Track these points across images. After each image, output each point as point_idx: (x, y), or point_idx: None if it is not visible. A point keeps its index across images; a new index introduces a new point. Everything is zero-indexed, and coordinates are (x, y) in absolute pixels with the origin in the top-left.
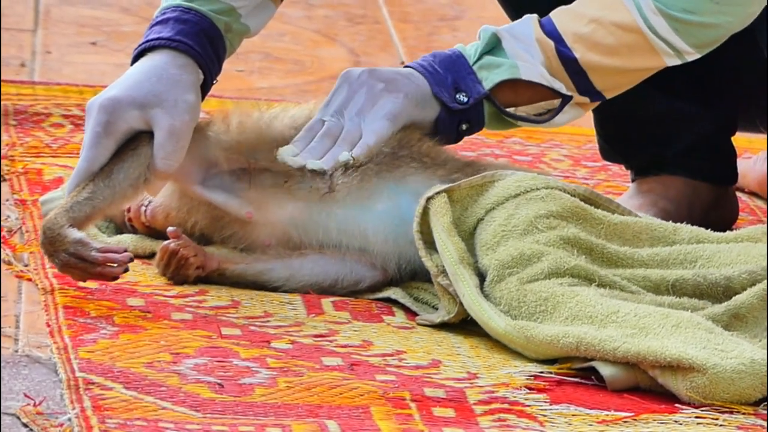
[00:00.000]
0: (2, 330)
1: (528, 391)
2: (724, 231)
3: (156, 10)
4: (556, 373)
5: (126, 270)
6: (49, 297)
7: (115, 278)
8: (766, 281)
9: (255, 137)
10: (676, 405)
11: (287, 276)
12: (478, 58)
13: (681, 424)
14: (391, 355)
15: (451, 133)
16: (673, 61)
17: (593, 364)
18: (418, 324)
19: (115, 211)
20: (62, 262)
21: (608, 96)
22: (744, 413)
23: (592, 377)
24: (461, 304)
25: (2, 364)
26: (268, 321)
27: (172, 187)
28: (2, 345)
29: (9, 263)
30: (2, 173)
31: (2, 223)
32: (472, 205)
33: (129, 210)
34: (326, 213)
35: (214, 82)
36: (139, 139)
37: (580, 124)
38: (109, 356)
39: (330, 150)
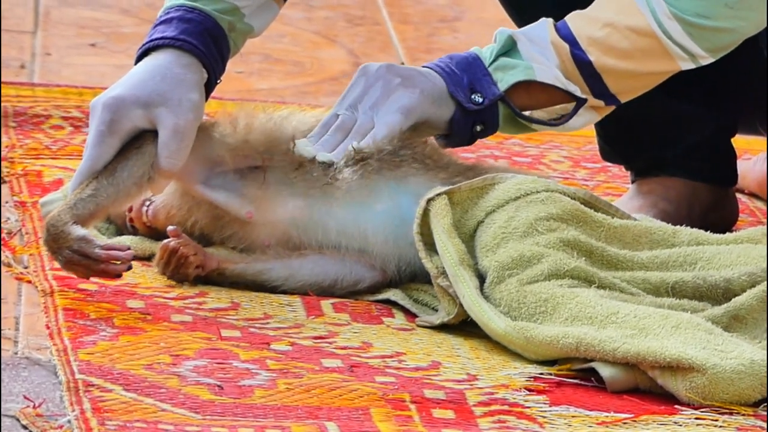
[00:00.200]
0: (2, 332)
1: (528, 392)
2: (724, 232)
3: (159, 10)
4: (556, 375)
5: (129, 267)
6: (48, 299)
7: (119, 276)
8: (765, 283)
9: (265, 137)
10: (676, 406)
11: (286, 276)
12: (494, 60)
13: (681, 425)
14: (391, 356)
15: (465, 134)
16: (688, 65)
17: (593, 365)
18: (418, 325)
19: (119, 210)
20: (65, 259)
21: (623, 100)
22: (744, 414)
23: (592, 378)
24: (461, 305)
25: (2, 366)
26: (267, 323)
27: (174, 186)
28: (2, 347)
29: (9, 265)
30: (2, 175)
31: (2, 225)
32: (472, 207)
33: (130, 210)
34: (326, 212)
35: (218, 81)
36: (144, 137)
37: None
38: (108, 358)
39: (341, 143)
